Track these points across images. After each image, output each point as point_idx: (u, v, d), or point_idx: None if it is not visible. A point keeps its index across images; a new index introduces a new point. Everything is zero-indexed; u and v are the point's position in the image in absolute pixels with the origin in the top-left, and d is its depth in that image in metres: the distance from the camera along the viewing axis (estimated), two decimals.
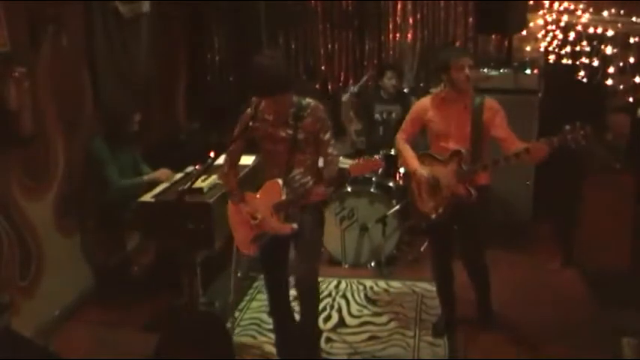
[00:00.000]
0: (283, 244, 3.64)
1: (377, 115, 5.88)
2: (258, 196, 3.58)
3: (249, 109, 3.47)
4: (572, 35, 5.01)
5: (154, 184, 4.55)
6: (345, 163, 4.36)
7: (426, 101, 4.02)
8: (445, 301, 4.34)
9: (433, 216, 3.91)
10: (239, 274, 4.89)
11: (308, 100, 3.46)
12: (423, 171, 3.86)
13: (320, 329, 4.16)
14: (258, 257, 3.71)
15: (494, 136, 3.80)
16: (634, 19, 4.15)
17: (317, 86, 6.96)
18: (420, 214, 4.03)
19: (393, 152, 5.28)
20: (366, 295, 4.86)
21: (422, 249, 5.34)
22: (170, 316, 4.40)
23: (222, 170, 3.64)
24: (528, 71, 5.80)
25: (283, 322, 3.91)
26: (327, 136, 3.46)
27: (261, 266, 3.81)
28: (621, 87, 4.53)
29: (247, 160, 4.73)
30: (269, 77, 3.19)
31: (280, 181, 3.45)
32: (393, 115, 5.84)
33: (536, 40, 6.16)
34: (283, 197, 3.45)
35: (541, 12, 6.07)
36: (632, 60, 4.17)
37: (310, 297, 3.65)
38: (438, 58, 3.95)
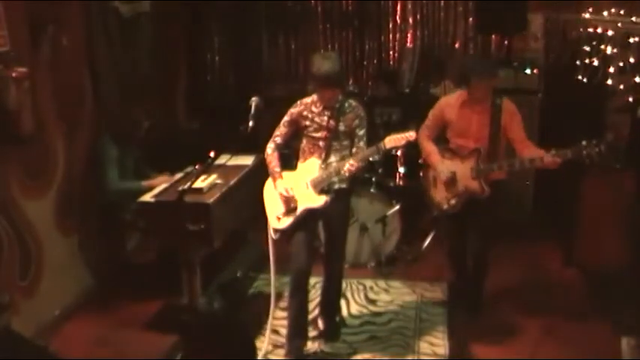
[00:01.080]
0: (313, 222, 3.95)
1: (377, 118, 5.88)
2: (296, 172, 3.95)
3: (298, 102, 3.91)
4: (572, 35, 5.00)
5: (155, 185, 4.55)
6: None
7: (448, 100, 4.27)
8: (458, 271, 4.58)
9: (445, 207, 4.22)
10: (239, 274, 4.90)
11: (350, 100, 3.94)
12: (443, 168, 4.15)
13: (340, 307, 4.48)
14: (289, 234, 3.91)
15: (510, 137, 4.04)
16: (634, 19, 4.15)
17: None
18: (433, 203, 4.33)
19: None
20: (366, 295, 4.86)
21: (422, 249, 5.35)
22: (170, 316, 4.40)
23: (266, 152, 3.97)
24: (528, 71, 5.80)
25: (299, 310, 3.98)
26: (362, 132, 3.90)
27: (291, 245, 3.94)
28: (621, 87, 4.53)
29: (247, 160, 4.74)
30: (328, 72, 3.64)
31: (319, 161, 3.86)
32: (393, 117, 5.84)
33: (536, 40, 6.16)
34: (320, 173, 3.83)
35: (541, 12, 6.06)
36: (632, 60, 4.17)
37: (337, 269, 4.19)
38: (463, 67, 4.32)
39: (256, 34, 6.84)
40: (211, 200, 4.08)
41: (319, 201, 3.82)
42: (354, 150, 3.86)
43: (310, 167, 3.89)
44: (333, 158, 3.86)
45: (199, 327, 3.47)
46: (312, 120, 3.87)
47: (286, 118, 3.94)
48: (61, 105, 4.53)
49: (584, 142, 3.70)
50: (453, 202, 4.15)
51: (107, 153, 4.67)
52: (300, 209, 3.85)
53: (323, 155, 3.87)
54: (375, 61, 6.77)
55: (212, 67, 6.97)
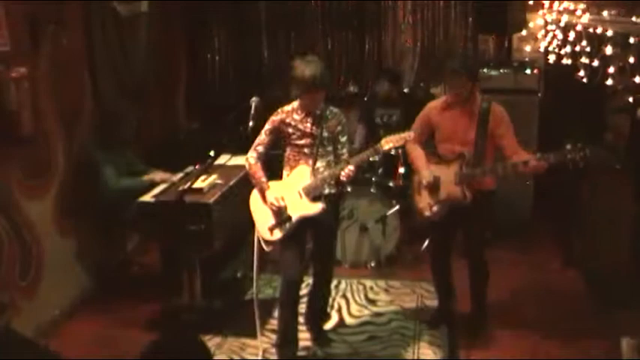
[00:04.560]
0: (304, 231, 3.88)
1: (377, 119, 5.89)
2: (285, 182, 3.88)
3: (279, 110, 3.86)
4: (572, 35, 4.99)
5: (154, 184, 4.55)
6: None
7: (435, 104, 4.14)
8: (441, 293, 4.41)
9: (427, 213, 4.03)
10: (239, 275, 4.90)
11: (331, 107, 3.90)
12: (425, 173, 3.99)
13: (329, 314, 4.49)
14: (280, 244, 3.82)
15: (500, 144, 3.90)
16: (634, 19, 4.14)
17: None
18: (416, 210, 4.15)
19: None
20: (366, 295, 4.86)
21: (422, 249, 5.34)
22: (170, 317, 4.40)
23: (249, 162, 3.87)
24: (528, 71, 5.80)
25: (290, 320, 3.95)
26: (345, 138, 3.92)
27: (281, 255, 3.89)
28: (621, 87, 4.52)
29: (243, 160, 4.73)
30: (314, 74, 3.62)
31: (309, 168, 3.80)
32: (394, 117, 5.84)
33: (536, 40, 6.16)
34: (312, 180, 3.77)
35: (541, 12, 6.06)
36: (632, 60, 4.16)
37: (327, 276, 4.19)
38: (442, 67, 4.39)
39: (256, 34, 6.84)
40: (211, 200, 4.08)
41: (314, 208, 3.75)
42: (343, 157, 3.84)
43: (300, 175, 3.82)
44: (319, 164, 3.82)
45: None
46: (295, 127, 3.82)
47: (267, 126, 3.86)
48: (61, 105, 4.53)
49: (568, 147, 3.61)
50: (435, 208, 3.96)
51: (97, 154, 4.66)
52: (294, 218, 3.75)
53: (310, 162, 3.81)
54: (375, 61, 6.76)
55: (212, 67, 6.97)
